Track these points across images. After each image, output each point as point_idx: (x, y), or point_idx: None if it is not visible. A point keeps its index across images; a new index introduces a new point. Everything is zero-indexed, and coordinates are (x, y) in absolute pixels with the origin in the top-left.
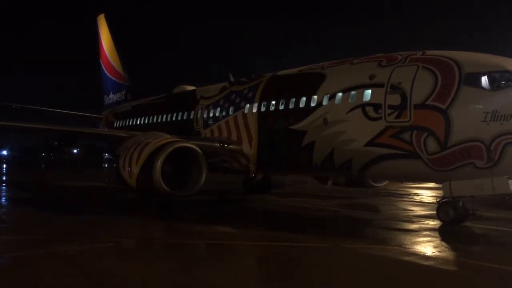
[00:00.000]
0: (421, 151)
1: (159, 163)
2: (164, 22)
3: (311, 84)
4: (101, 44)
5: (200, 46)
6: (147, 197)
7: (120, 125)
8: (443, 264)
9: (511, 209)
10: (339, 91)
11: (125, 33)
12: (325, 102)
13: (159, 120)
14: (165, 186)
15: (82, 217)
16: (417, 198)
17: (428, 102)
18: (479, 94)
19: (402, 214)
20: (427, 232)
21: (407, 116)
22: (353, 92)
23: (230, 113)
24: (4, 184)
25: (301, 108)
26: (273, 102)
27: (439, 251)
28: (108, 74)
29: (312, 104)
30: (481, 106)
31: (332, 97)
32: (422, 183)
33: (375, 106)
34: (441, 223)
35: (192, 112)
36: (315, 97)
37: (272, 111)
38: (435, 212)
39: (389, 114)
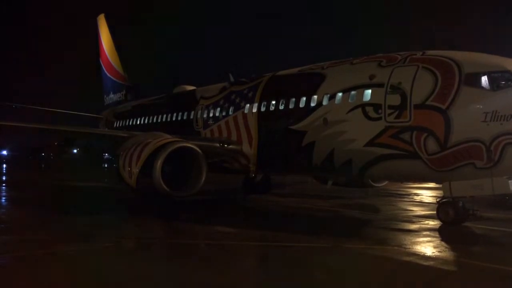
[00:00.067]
0: (421, 151)
1: (159, 163)
2: (165, 22)
3: (311, 84)
4: (101, 44)
5: (200, 46)
6: (147, 197)
7: (120, 125)
8: (443, 264)
9: (511, 209)
10: (339, 91)
11: (125, 33)
12: (325, 102)
13: (159, 120)
14: (165, 186)
15: (82, 217)
16: (417, 198)
17: (428, 102)
18: (479, 94)
19: (402, 214)
20: (427, 232)
21: (407, 116)
22: (353, 92)
23: (230, 113)
24: (4, 184)
25: (301, 108)
26: (273, 102)
27: (439, 251)
28: (108, 74)
29: (312, 104)
30: (481, 106)
31: (332, 97)
32: (422, 183)
33: (375, 106)
34: (441, 223)
35: (192, 112)
36: (315, 97)
37: (272, 111)
38: (435, 212)
39: (389, 114)
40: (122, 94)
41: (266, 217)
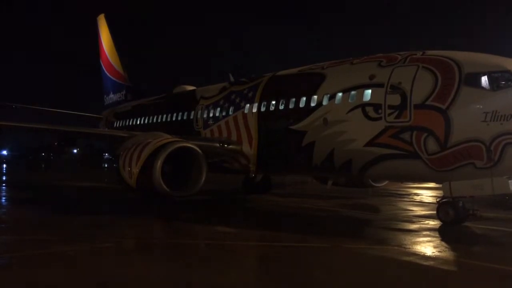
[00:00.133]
0: (421, 151)
1: (159, 163)
2: (164, 22)
3: (311, 84)
4: (101, 44)
5: (200, 46)
6: (147, 197)
7: (120, 125)
8: (443, 264)
9: (511, 209)
10: (339, 91)
11: (125, 33)
12: (325, 102)
13: (159, 120)
14: (165, 186)
15: (82, 217)
16: (417, 198)
17: (428, 102)
18: (479, 94)
19: (402, 214)
20: (427, 232)
21: (407, 116)
22: (353, 92)
23: (230, 113)
24: (4, 184)
25: (301, 108)
26: (273, 102)
27: (439, 251)
28: (108, 74)
29: (312, 104)
30: (481, 106)
31: (332, 97)
32: (422, 183)
33: (375, 106)
34: (441, 223)
35: (192, 112)
36: (315, 97)
37: (272, 111)
38: (435, 212)
39: (389, 114)
40: (122, 94)
41: (266, 217)
